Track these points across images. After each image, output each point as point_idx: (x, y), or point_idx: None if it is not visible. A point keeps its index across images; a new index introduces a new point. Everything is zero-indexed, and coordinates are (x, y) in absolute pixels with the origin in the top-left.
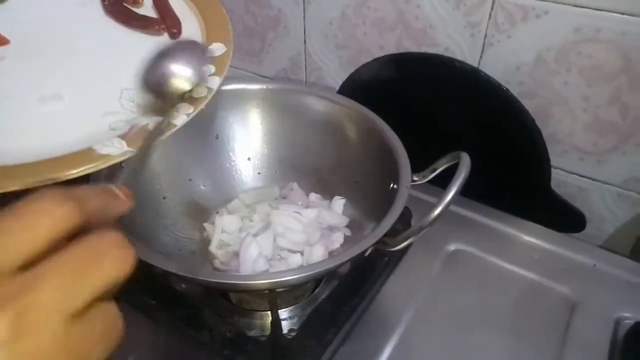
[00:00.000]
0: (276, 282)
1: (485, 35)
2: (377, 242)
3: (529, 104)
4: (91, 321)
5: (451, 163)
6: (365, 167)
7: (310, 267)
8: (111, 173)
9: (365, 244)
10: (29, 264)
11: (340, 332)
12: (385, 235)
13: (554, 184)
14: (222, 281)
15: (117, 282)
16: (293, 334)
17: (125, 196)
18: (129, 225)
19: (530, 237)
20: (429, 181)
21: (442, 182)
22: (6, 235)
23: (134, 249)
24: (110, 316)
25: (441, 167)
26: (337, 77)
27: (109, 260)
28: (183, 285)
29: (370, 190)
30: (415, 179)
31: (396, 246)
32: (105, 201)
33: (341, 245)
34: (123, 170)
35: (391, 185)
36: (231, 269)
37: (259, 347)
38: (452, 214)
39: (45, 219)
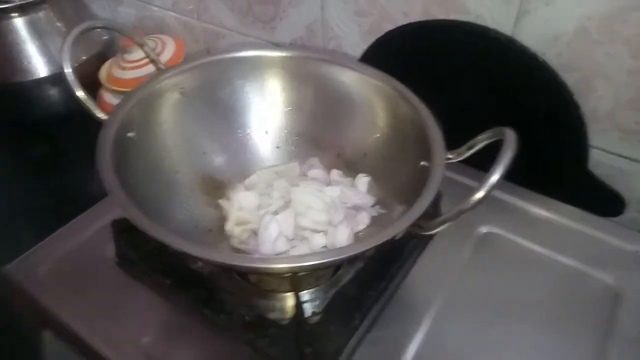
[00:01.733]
0: (299, 266)
1: (521, 2)
2: (411, 226)
3: (567, 78)
4: None
5: (491, 140)
6: (393, 142)
7: (336, 252)
8: (118, 144)
9: (397, 228)
10: None
11: (366, 317)
12: (419, 218)
13: (591, 165)
14: (240, 264)
15: None
16: (317, 318)
17: None
18: (142, 202)
19: (568, 220)
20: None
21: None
22: None
23: None
24: None
25: (480, 144)
26: (357, 46)
27: None
28: (199, 263)
29: (398, 168)
30: (450, 156)
31: (431, 230)
32: None
33: (367, 226)
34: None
35: (421, 162)
36: (250, 249)
37: (281, 332)
38: None
39: None
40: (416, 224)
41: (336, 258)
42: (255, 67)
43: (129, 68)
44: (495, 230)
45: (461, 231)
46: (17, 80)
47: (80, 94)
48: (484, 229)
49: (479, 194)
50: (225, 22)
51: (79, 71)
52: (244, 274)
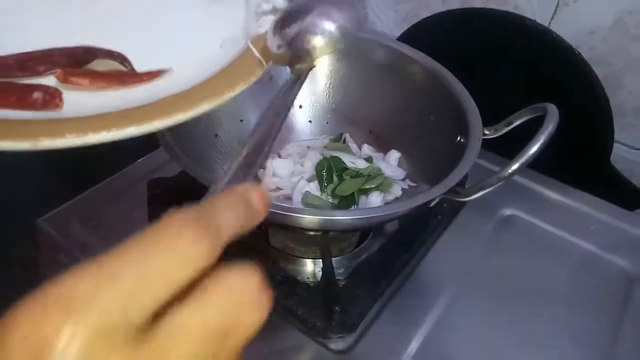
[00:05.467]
0: (334, 220)
1: None
2: (448, 192)
3: (599, 71)
4: None
5: (531, 116)
6: (427, 120)
7: (376, 210)
8: None
9: (434, 192)
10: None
11: (391, 285)
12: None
13: (612, 158)
14: (276, 211)
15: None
16: (343, 282)
17: (260, 202)
18: (180, 156)
19: (588, 208)
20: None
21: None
22: (136, 277)
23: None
24: None
25: (518, 120)
26: (391, 33)
27: (250, 313)
28: None
29: (431, 145)
30: (487, 132)
31: (469, 196)
32: (239, 216)
33: (397, 198)
34: None
35: (458, 138)
36: None
37: (309, 292)
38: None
39: (177, 261)
40: (453, 190)
41: (376, 215)
42: None
43: None
44: (518, 213)
45: (484, 212)
46: None
47: None
48: (507, 212)
49: (517, 163)
50: None
51: None
52: (268, 234)
